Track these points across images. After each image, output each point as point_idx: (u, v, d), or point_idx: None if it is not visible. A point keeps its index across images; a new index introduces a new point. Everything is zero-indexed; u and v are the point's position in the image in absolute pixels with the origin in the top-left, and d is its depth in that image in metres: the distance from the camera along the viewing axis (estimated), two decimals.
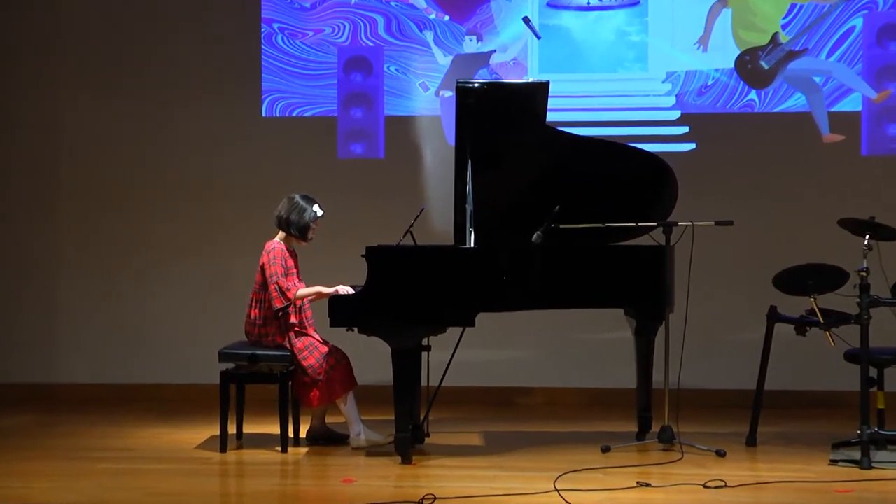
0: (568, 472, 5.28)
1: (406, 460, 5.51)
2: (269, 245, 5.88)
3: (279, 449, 5.81)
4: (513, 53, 7.43)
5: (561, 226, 5.71)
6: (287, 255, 5.86)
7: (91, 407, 7.22)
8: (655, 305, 5.80)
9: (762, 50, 7.32)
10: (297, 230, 5.87)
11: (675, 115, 7.36)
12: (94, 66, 7.61)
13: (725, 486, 5.09)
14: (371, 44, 7.49)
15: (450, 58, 7.46)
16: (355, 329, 5.59)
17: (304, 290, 5.82)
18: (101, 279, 7.60)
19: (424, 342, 5.78)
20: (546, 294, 5.66)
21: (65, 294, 7.63)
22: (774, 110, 7.33)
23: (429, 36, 7.47)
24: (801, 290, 5.72)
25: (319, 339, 5.90)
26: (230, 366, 5.89)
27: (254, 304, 5.88)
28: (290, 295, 5.76)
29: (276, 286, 5.75)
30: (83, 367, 7.59)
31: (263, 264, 5.82)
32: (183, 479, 5.30)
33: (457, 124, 5.73)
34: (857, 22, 7.26)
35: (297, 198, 5.90)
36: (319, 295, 5.79)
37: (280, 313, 5.81)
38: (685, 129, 7.36)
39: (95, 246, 7.61)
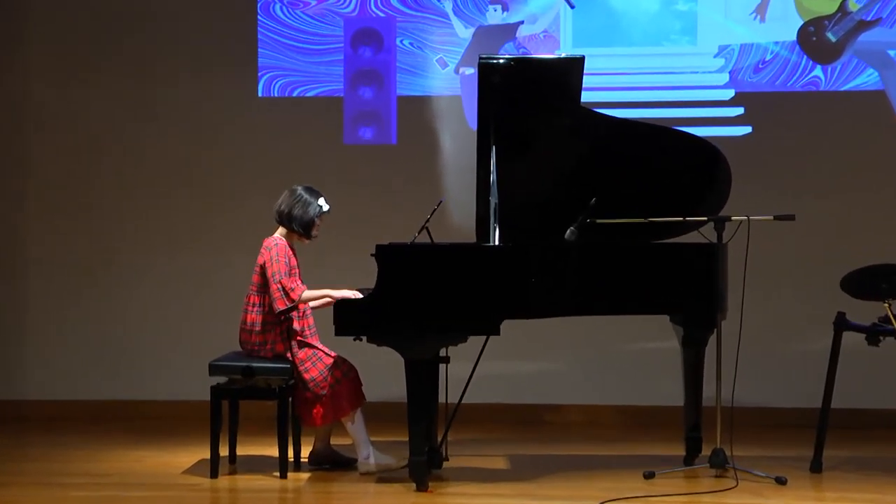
0: (606, 502, 5.29)
1: (422, 487, 5.53)
2: (269, 242, 5.90)
3: (277, 474, 5.83)
4: (543, 25, 7.44)
5: (598, 221, 5.72)
6: (290, 252, 5.89)
7: (64, 427, 7.26)
8: (706, 311, 5.80)
9: (829, 20, 7.30)
10: (300, 226, 5.89)
11: (729, 94, 7.36)
12: (68, 43, 7.63)
13: None
14: (382, 14, 7.51)
15: (471, 30, 7.48)
16: (364, 338, 5.62)
17: (310, 292, 5.83)
18: (76, 281, 7.64)
19: (442, 353, 5.79)
20: (581, 298, 5.67)
21: (34, 299, 7.67)
22: (842, 89, 7.31)
23: (447, 5, 7.48)
24: (873, 293, 5.70)
25: (324, 349, 5.92)
26: (222, 379, 5.92)
27: (250, 309, 5.90)
28: (294, 296, 5.78)
29: (280, 286, 5.77)
30: (55, 382, 7.62)
31: (263, 263, 5.85)
32: None
33: (479, 105, 5.75)
34: None
35: (301, 190, 5.92)
36: (327, 299, 5.80)
37: (282, 317, 5.83)
38: (740, 111, 7.35)
39: (69, 244, 7.63)
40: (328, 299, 5.79)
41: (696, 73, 7.38)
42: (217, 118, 7.59)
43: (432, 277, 5.54)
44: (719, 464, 5.73)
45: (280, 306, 5.78)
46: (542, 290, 5.56)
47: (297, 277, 5.89)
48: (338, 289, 5.80)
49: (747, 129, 7.35)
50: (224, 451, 5.97)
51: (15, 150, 7.68)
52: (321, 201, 5.91)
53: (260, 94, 7.57)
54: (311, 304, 5.91)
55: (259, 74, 7.56)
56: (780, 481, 5.65)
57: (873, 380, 7.02)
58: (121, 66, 7.60)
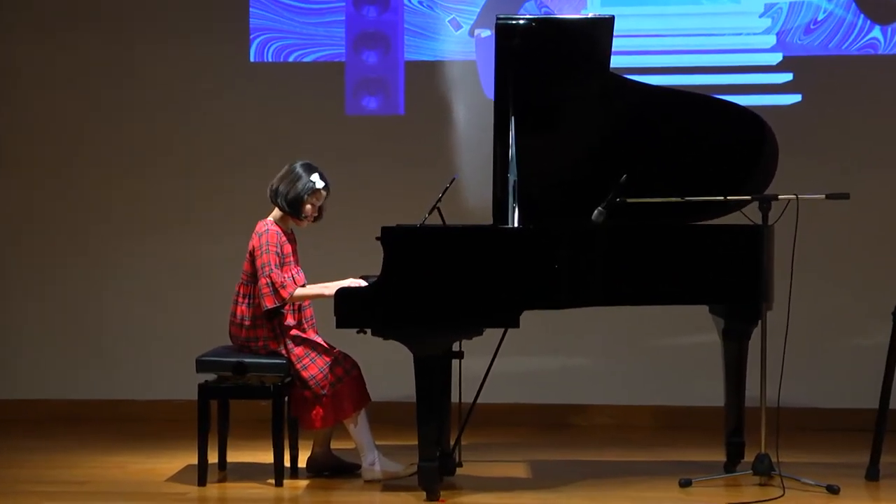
0: None
1: (432, 496, 5.55)
2: (260, 226, 5.92)
3: (272, 482, 5.86)
4: None
5: (629, 200, 5.72)
6: (283, 238, 5.90)
7: (35, 429, 7.30)
8: (749, 301, 5.80)
9: None
10: (286, 204, 5.89)
11: (776, 58, 7.35)
12: (37, 3, 7.64)
13: None
14: None
15: None
16: (368, 331, 5.64)
17: (303, 290, 5.83)
18: (47, 269, 7.67)
19: (455, 348, 5.82)
20: (610, 287, 5.68)
21: (1, 288, 7.70)
22: None
23: None
24: None
25: (324, 343, 5.95)
26: (211, 377, 5.94)
27: (240, 300, 5.92)
28: (284, 294, 5.78)
29: (269, 281, 5.78)
30: (25, 380, 7.66)
31: (253, 249, 5.87)
32: None
33: (497, 72, 5.75)
34: None
35: (296, 165, 5.93)
36: (325, 293, 5.79)
37: (271, 314, 5.85)
38: (788, 77, 7.34)
39: (39, 227, 7.67)
40: (326, 294, 5.77)
41: (740, 34, 7.37)
42: (203, 86, 7.61)
43: (444, 263, 5.55)
44: (764, 471, 5.74)
45: (268, 304, 5.79)
46: (566, 277, 5.57)
47: (292, 267, 5.90)
48: (339, 282, 5.78)
49: (797, 98, 7.35)
50: (213, 457, 6.00)
51: None
52: (314, 177, 5.90)
53: (252, 59, 7.58)
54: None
55: (251, 37, 7.57)
56: (833, 490, 5.66)
57: None
58: (99, 28, 7.61)
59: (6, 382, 7.65)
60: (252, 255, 5.87)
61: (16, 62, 7.66)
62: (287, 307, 5.87)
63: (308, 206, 5.91)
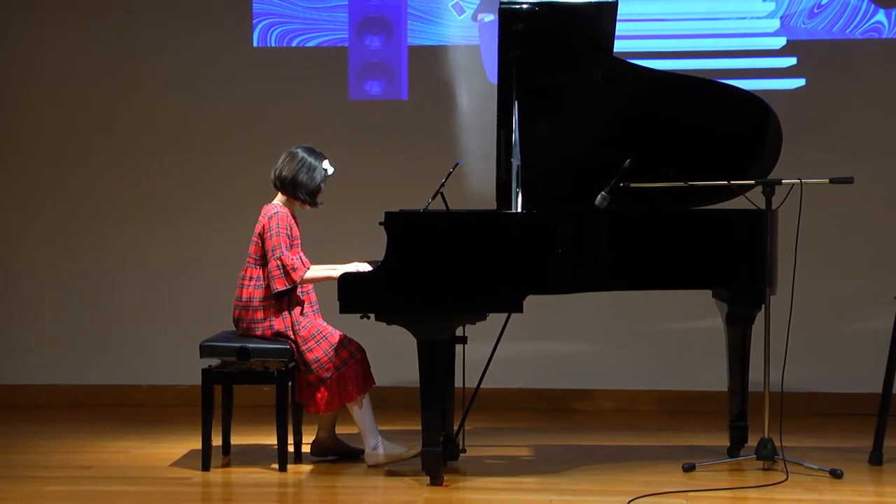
0: (641, 497, 5.32)
1: (436, 481, 5.57)
2: (268, 209, 5.92)
3: (276, 467, 5.88)
4: None
5: (632, 185, 5.73)
6: (291, 221, 5.91)
7: (40, 414, 7.32)
8: (753, 286, 5.81)
9: None
10: (307, 194, 5.91)
11: (780, 42, 7.34)
12: None
13: None
14: None
15: None
16: (371, 316, 5.65)
17: (314, 273, 5.84)
18: (52, 255, 7.68)
19: (459, 332, 5.83)
20: (613, 272, 5.68)
21: (5, 275, 7.72)
22: None
23: None
24: None
25: (329, 327, 5.95)
26: (215, 362, 5.96)
27: (246, 283, 5.93)
28: (296, 276, 5.80)
29: (280, 263, 5.79)
30: (29, 366, 7.68)
31: (262, 233, 5.87)
32: None
33: (500, 56, 5.75)
34: None
35: (302, 153, 5.94)
36: (332, 279, 5.80)
37: (282, 297, 5.86)
38: (792, 61, 7.34)
39: (44, 216, 7.67)
40: (334, 277, 5.78)
41: (744, 18, 7.36)
42: (207, 72, 7.60)
43: (448, 248, 5.56)
44: (767, 455, 5.75)
45: (279, 286, 5.81)
46: (570, 262, 5.58)
47: (300, 250, 5.92)
48: (346, 264, 5.81)
49: (800, 82, 7.34)
50: (217, 441, 6.02)
51: None
52: (325, 164, 5.94)
53: (255, 44, 7.58)
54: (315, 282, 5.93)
55: (254, 22, 7.57)
56: (836, 474, 5.67)
57: None
58: (100, 13, 7.61)
59: (11, 368, 7.66)
60: (261, 237, 5.88)
61: (15, 49, 7.64)
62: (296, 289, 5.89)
63: (322, 193, 5.94)
